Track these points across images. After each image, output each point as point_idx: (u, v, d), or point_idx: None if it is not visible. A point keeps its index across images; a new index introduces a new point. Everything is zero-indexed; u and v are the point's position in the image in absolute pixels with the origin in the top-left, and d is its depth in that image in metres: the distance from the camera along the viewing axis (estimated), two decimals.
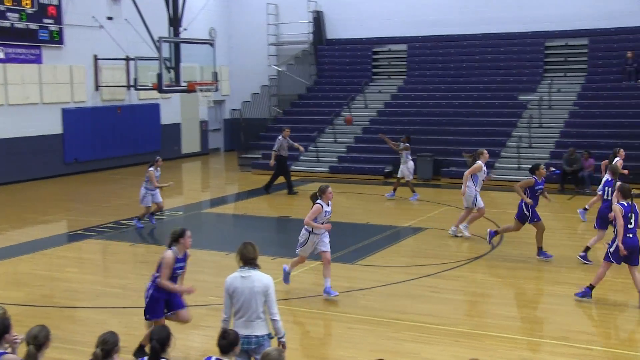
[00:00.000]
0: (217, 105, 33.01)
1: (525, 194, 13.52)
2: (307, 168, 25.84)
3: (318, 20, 31.96)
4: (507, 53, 28.50)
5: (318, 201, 11.15)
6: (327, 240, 11.41)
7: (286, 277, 11.68)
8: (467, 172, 15.22)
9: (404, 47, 30.48)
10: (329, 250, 11.39)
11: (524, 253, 14.27)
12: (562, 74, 27.50)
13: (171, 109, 30.21)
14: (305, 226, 11.22)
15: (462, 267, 13.22)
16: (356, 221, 17.68)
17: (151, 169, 16.67)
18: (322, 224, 11.18)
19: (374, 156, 25.48)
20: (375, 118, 27.89)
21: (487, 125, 25.50)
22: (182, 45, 24.05)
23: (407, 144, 20.44)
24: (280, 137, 21.77)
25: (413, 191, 20.34)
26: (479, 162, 15.17)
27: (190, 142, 31.70)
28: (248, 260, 7.11)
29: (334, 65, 31.66)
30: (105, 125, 26.92)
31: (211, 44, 25.19)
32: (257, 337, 7.01)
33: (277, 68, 32.12)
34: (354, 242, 15.36)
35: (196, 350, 9.49)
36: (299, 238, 11.46)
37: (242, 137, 29.96)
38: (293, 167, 25.83)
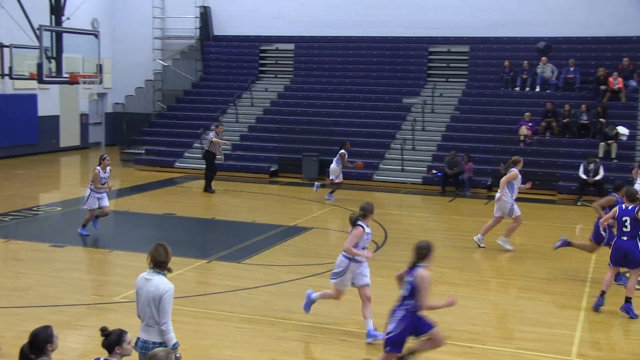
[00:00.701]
0: (99, 98, 31.97)
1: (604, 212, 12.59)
2: (191, 165, 25.44)
3: (205, 15, 31.58)
4: (392, 56, 29.06)
5: (360, 222, 9.48)
6: (367, 271, 9.72)
7: (308, 304, 10.19)
8: (503, 180, 14.66)
9: (291, 46, 30.56)
10: (369, 284, 9.72)
11: (407, 255, 14.51)
12: (444, 79, 28.33)
13: (49, 100, 29.03)
14: (344, 252, 9.61)
15: None
16: (242, 220, 17.57)
17: (98, 168, 15.00)
18: (363, 249, 9.58)
19: (260, 155, 25.41)
20: (261, 116, 27.83)
21: (372, 127, 25.92)
22: (64, 35, 23.10)
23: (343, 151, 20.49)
24: (211, 134, 21.41)
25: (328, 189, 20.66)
26: (515, 170, 14.71)
27: (69, 135, 30.56)
28: (157, 263, 6.85)
29: (221, 62, 31.38)
30: None
31: (95, 35, 24.32)
32: (154, 343, 6.73)
33: (162, 62, 31.50)
34: (241, 240, 15.25)
35: (75, 351, 9.11)
36: (336, 266, 9.72)
37: (125, 131, 29.16)
38: (176, 164, 25.47)
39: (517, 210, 14.84)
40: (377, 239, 15.55)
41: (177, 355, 6.66)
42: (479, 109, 26.02)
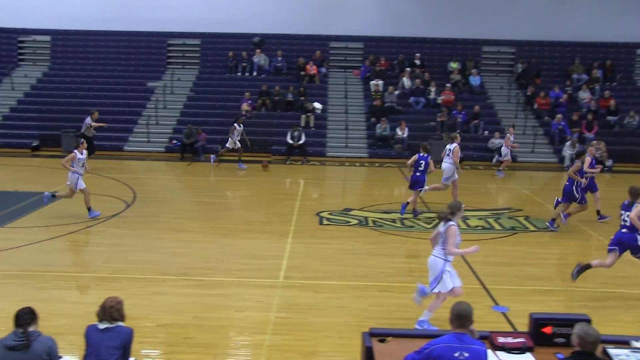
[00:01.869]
0: None
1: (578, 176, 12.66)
2: None
3: None
4: (137, 47, 27.89)
5: (452, 222, 7.52)
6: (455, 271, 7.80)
7: (420, 296, 7.92)
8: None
9: (48, 38, 28.03)
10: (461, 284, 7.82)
11: (153, 210, 14.25)
12: (181, 67, 27.84)
13: None
14: (442, 254, 7.55)
15: (103, 224, 12.73)
16: (5, 189, 15.95)
17: (75, 151, 12.98)
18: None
19: (22, 132, 23.21)
20: (22, 99, 25.32)
21: (122, 106, 24.77)
22: None
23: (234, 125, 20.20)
24: (88, 119, 19.34)
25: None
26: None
27: None
28: None
29: None
30: None
31: None
32: None
33: None
34: (4, 207, 13.85)
35: None
36: (431, 272, 7.65)
37: None
38: None
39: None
40: (127, 199, 15.04)
41: None
42: (209, 90, 26.00)
